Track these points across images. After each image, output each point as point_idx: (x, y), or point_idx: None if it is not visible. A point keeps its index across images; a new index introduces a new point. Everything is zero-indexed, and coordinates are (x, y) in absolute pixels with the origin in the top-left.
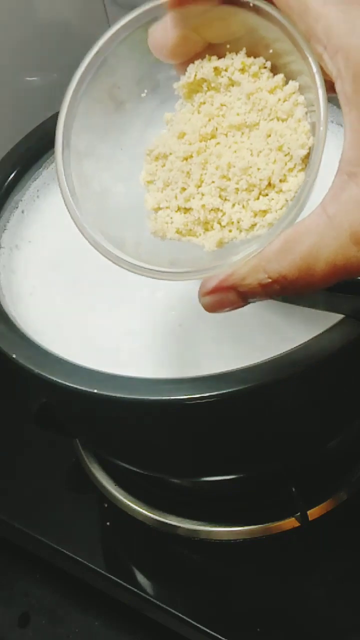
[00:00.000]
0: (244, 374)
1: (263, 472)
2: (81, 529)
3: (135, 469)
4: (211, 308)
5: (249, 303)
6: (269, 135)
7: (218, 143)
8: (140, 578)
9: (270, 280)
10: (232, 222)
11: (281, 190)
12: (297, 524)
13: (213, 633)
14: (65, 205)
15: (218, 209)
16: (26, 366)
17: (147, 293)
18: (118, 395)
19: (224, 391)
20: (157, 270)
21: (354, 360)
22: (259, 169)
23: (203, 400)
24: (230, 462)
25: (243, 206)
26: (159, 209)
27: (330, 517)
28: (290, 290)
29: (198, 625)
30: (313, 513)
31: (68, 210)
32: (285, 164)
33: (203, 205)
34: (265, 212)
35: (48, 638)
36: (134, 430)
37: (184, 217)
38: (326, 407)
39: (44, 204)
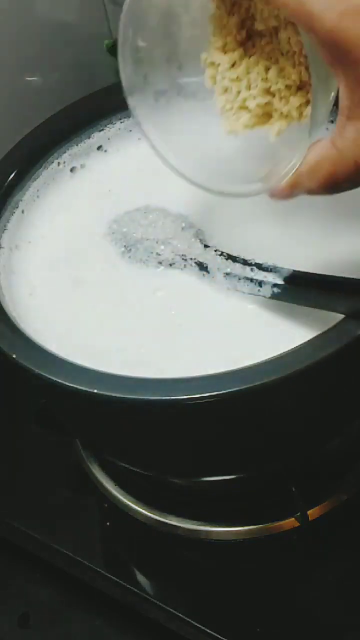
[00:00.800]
0: (244, 374)
1: (263, 472)
2: (81, 529)
3: (135, 469)
4: (278, 199)
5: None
6: (290, 38)
7: (253, 46)
8: (140, 578)
9: (306, 193)
10: (283, 115)
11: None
12: (297, 524)
13: (213, 633)
14: (146, 136)
15: (270, 104)
16: (26, 366)
17: (147, 293)
18: (118, 395)
19: (224, 391)
20: (226, 192)
21: (354, 360)
22: (289, 70)
23: (203, 400)
24: (230, 462)
25: (287, 101)
26: (226, 110)
27: (330, 517)
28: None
29: (198, 625)
30: (313, 513)
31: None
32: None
33: (257, 105)
34: (308, 102)
35: (48, 638)
36: (134, 430)
37: (247, 113)
38: (326, 407)
39: (44, 204)
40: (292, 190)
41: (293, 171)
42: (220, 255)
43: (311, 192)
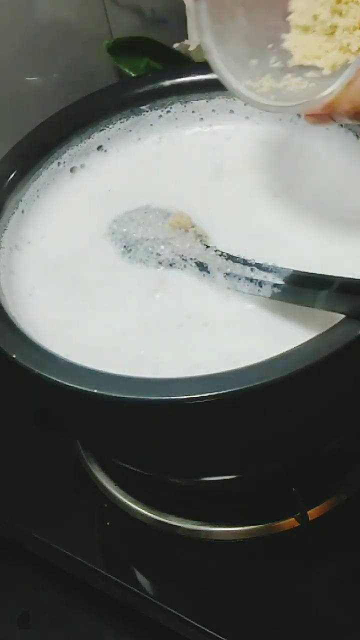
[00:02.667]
0: (243, 374)
1: (263, 472)
2: (81, 529)
3: (135, 469)
4: (313, 123)
5: (337, 123)
6: None
7: None
8: (140, 578)
9: (352, 110)
10: (343, 47)
11: None
12: (297, 524)
13: (213, 633)
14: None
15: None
16: (26, 366)
17: (146, 293)
18: (118, 395)
19: (224, 391)
20: (279, 106)
21: (354, 360)
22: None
23: (203, 400)
24: (230, 462)
25: (350, 32)
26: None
27: (330, 517)
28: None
29: (198, 625)
30: (313, 513)
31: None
32: None
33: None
34: None
35: (48, 638)
36: (134, 430)
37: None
38: (326, 407)
39: (44, 204)
40: (327, 110)
41: (332, 92)
42: (220, 255)
43: (345, 115)
